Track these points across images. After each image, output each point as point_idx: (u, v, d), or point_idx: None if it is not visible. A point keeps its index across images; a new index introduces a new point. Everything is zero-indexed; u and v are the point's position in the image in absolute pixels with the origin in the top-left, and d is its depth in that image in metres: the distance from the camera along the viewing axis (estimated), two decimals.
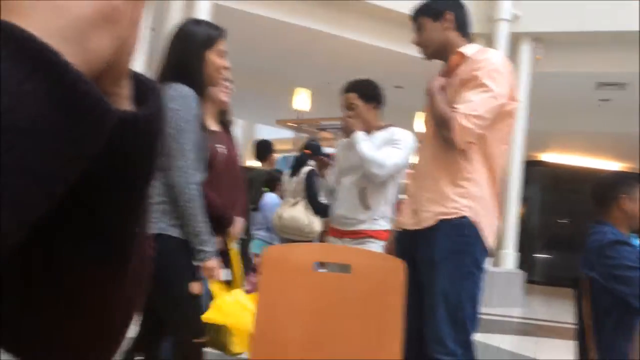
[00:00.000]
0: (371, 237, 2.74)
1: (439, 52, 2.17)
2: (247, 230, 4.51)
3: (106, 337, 0.46)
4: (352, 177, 2.82)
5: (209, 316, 1.83)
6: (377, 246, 2.69)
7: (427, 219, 2.01)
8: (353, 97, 2.88)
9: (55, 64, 0.30)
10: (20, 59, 0.30)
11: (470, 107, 1.94)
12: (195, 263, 1.89)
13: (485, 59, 2.04)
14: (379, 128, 2.89)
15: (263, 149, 5.13)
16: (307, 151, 4.24)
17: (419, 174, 2.12)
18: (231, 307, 1.86)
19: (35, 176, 0.31)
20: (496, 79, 1.99)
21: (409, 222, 2.08)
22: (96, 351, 0.47)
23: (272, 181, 4.61)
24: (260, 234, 4.55)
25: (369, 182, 2.75)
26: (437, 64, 2.31)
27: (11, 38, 0.29)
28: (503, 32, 7.37)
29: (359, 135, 2.72)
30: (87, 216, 0.40)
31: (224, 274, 2.13)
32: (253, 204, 4.55)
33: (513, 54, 7.25)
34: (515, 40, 7.52)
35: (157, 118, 0.39)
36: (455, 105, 1.97)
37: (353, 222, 2.79)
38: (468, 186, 2.00)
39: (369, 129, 2.85)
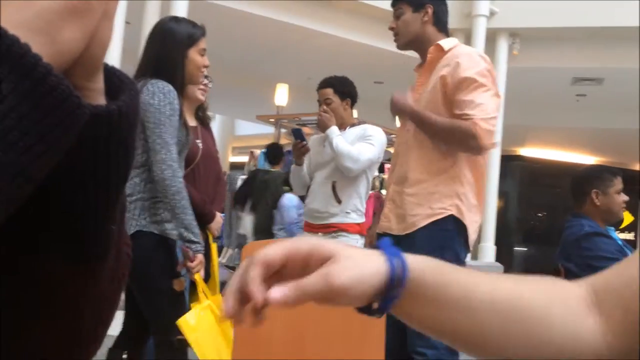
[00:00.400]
0: (343, 230, 2.78)
1: (413, 43, 2.17)
2: (269, 230, 4.78)
3: (83, 335, 0.46)
4: (325, 172, 2.87)
5: (180, 323, 1.81)
6: (349, 240, 2.72)
7: (415, 223, 2.01)
8: (329, 93, 2.96)
9: (23, 57, 0.30)
10: None
11: (484, 111, 1.94)
12: (180, 257, 1.88)
13: (471, 58, 2.03)
14: (352, 124, 2.98)
15: (275, 152, 5.39)
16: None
17: (400, 178, 2.10)
18: (201, 322, 1.85)
19: (3, 171, 0.30)
20: (490, 77, 2.01)
21: (396, 228, 2.06)
22: (73, 350, 0.46)
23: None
24: (280, 234, 4.73)
25: (340, 176, 2.77)
26: (415, 60, 2.32)
27: None
28: (480, 28, 7.42)
29: (334, 130, 2.77)
30: (61, 213, 0.39)
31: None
32: (273, 205, 4.88)
33: (490, 49, 7.30)
34: (492, 35, 7.58)
35: (131, 113, 0.38)
36: (466, 112, 1.94)
37: (325, 216, 2.83)
38: (453, 185, 2.01)
39: (343, 125, 2.95)
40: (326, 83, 3.02)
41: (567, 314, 0.55)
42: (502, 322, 0.53)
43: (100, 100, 0.37)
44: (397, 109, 2.06)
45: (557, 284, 0.59)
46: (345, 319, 1.34)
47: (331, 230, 2.82)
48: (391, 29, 2.19)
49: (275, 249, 0.50)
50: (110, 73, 0.40)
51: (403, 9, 2.15)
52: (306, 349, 1.33)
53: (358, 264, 0.50)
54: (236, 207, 5.44)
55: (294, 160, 3.08)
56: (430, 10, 2.13)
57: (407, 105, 2.05)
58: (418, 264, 0.54)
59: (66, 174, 0.37)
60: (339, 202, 2.82)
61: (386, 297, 0.50)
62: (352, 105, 3.05)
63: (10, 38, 0.29)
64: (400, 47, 2.21)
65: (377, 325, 1.30)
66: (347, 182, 2.81)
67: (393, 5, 2.22)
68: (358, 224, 2.86)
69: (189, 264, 1.88)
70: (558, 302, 0.55)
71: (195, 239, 1.87)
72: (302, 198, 3.01)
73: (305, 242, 0.51)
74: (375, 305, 0.51)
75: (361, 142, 2.83)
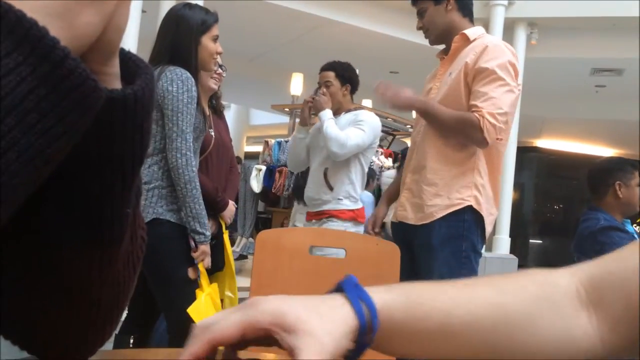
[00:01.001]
0: (334, 216, 2.76)
1: (443, 36, 2.13)
2: None
3: (99, 318, 0.46)
4: (319, 158, 2.86)
5: (191, 311, 1.83)
6: (337, 225, 2.70)
7: (433, 213, 2.00)
8: (330, 76, 2.95)
9: (42, 40, 0.30)
10: (6, 34, 0.29)
11: (495, 105, 1.91)
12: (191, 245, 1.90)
13: (496, 49, 2.00)
14: (348, 110, 2.95)
15: None
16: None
17: (418, 167, 2.09)
18: (206, 308, 1.87)
19: (22, 152, 0.30)
20: (511, 71, 1.98)
21: (413, 217, 2.05)
22: (89, 332, 0.47)
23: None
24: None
25: (332, 163, 2.77)
26: (433, 50, 2.29)
27: None
28: (499, 17, 7.34)
29: (326, 113, 2.76)
30: (77, 197, 0.39)
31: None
32: None
33: (508, 38, 7.22)
34: (510, 24, 7.49)
35: (147, 97, 0.38)
36: (477, 104, 1.93)
37: (318, 203, 2.83)
38: (471, 176, 1.99)
39: (340, 110, 2.94)
40: (328, 66, 3.01)
41: (556, 318, 0.51)
42: (487, 340, 0.49)
43: (116, 84, 0.38)
44: (399, 103, 2.03)
45: (543, 283, 0.54)
46: None
47: (323, 216, 2.80)
48: (419, 28, 2.17)
49: (229, 325, 0.43)
50: (127, 58, 0.41)
51: (425, 5, 2.12)
52: None
53: (323, 342, 0.41)
54: (298, 201, 5.52)
55: (300, 120, 3.01)
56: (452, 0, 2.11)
57: (409, 99, 2.02)
58: (387, 303, 0.48)
59: (82, 157, 0.37)
60: (331, 188, 2.80)
61: (357, 348, 0.45)
62: (352, 92, 3.03)
63: (28, 21, 0.29)
64: (432, 42, 2.18)
65: None
66: (339, 168, 2.79)
67: (414, 3, 2.18)
68: (351, 210, 2.84)
69: (192, 253, 1.89)
70: (545, 306, 0.51)
71: (200, 230, 1.87)
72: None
73: (264, 314, 0.43)
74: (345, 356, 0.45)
75: (351, 127, 2.80)
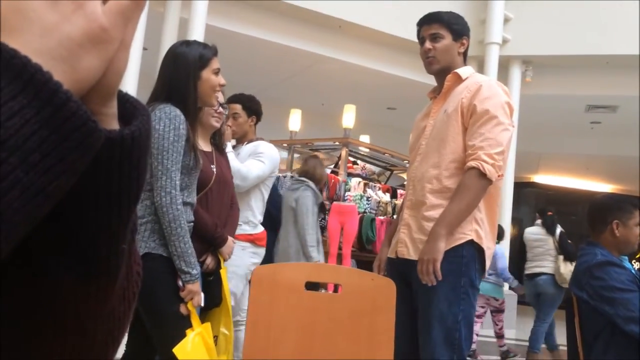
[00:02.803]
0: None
1: (445, 71, 2.16)
2: None
3: (94, 355, 0.47)
4: None
5: (177, 350, 1.80)
6: (236, 245, 2.68)
7: None
8: (237, 108, 3.14)
9: (45, 84, 0.31)
10: (12, 78, 0.31)
11: (492, 145, 1.96)
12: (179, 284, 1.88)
13: (490, 89, 2.04)
14: (250, 140, 3.15)
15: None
16: (550, 213, 5.63)
17: (416, 204, 2.09)
18: (195, 348, 1.84)
19: (24, 191, 0.31)
20: (506, 110, 2.02)
21: (414, 253, 2.04)
22: None
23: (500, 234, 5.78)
24: (491, 278, 5.47)
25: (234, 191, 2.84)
26: (427, 87, 2.33)
27: (3, 57, 0.31)
28: (493, 55, 7.46)
29: (228, 147, 2.85)
30: (73, 233, 0.40)
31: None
32: None
33: (503, 76, 7.33)
34: (505, 62, 7.62)
35: (143, 138, 0.40)
36: (475, 144, 1.97)
37: None
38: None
39: (243, 139, 3.16)
40: (235, 98, 3.18)
41: None
42: None
43: (114, 124, 0.39)
44: (433, 250, 1.94)
45: None
46: (353, 340, 1.34)
47: None
48: (428, 50, 2.14)
49: None
50: (124, 99, 0.42)
51: (442, 34, 2.13)
52: (315, 350, 1.33)
53: None
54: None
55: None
56: (466, 42, 2.16)
57: (437, 253, 1.92)
58: None
59: (79, 195, 0.38)
60: None
61: None
62: (256, 123, 3.22)
63: (33, 66, 0.31)
64: (432, 71, 2.18)
65: (385, 346, 1.30)
66: (239, 196, 2.85)
67: (428, 23, 2.17)
68: (250, 234, 2.96)
69: (180, 292, 1.86)
70: None
71: (186, 269, 1.85)
72: None
73: None
74: None
75: (252, 159, 2.95)
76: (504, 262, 5.52)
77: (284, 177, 6.52)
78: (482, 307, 5.56)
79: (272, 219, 3.87)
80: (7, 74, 0.31)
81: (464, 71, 2.14)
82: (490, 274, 5.52)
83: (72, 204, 0.38)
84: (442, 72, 2.17)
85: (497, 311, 5.60)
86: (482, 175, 1.94)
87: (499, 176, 1.99)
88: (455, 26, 2.16)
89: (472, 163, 1.96)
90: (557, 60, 7.63)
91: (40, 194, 0.33)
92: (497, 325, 5.63)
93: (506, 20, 7.56)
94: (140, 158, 0.40)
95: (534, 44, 7.52)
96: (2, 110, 0.30)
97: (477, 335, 5.71)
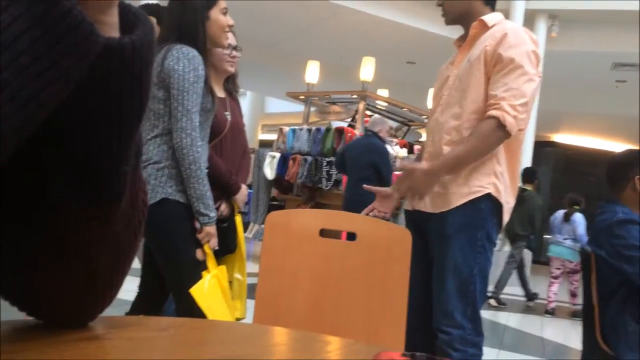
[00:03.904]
0: None
1: (460, 18, 2.11)
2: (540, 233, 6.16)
3: (98, 281, 0.45)
4: None
5: (193, 291, 1.82)
6: None
7: (452, 201, 1.96)
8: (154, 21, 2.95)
9: None
10: None
11: (515, 96, 1.89)
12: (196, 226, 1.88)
13: (517, 36, 1.96)
14: None
15: (529, 175, 6.52)
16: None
17: (434, 155, 2.05)
18: (211, 289, 1.86)
19: (14, 95, 0.29)
20: (532, 59, 1.94)
21: (430, 205, 2.01)
22: (88, 294, 0.46)
23: (578, 203, 6.31)
24: (567, 242, 6.07)
25: None
26: (451, 41, 2.26)
27: None
28: (519, 8, 7.24)
29: None
30: (73, 152, 0.38)
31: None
32: (531, 224, 6.42)
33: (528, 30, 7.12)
34: (530, 16, 7.39)
35: (145, 48, 0.37)
36: (497, 94, 1.90)
37: None
38: (490, 163, 1.96)
39: None
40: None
41: None
42: None
43: (114, 34, 0.36)
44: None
45: None
46: (367, 288, 1.33)
47: None
48: (439, 5, 2.14)
49: None
50: (126, 9, 0.39)
51: None
52: (326, 315, 1.33)
53: None
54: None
55: None
56: None
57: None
58: None
59: (77, 110, 0.36)
60: None
61: None
62: None
63: None
64: (447, 22, 2.15)
65: (399, 295, 1.29)
66: None
67: None
68: None
69: (197, 235, 1.87)
70: None
71: (204, 211, 1.85)
72: None
73: None
74: None
75: None
76: (582, 228, 5.96)
77: (300, 129, 6.48)
78: (558, 268, 6.16)
79: None
80: None
81: (491, 18, 2.06)
82: (565, 239, 6.10)
83: (69, 120, 0.36)
84: (461, 20, 2.10)
85: (573, 272, 6.06)
86: (501, 126, 1.88)
87: (519, 130, 1.93)
88: None
89: (492, 112, 1.89)
90: (584, 15, 7.37)
91: (32, 101, 0.30)
92: (572, 285, 6.12)
93: None
94: (142, 70, 0.37)
95: None
96: None
97: (554, 294, 6.17)
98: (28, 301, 0.45)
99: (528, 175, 6.50)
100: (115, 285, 0.47)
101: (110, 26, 0.36)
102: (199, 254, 1.89)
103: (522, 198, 6.04)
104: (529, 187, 6.45)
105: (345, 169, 5.13)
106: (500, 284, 6.26)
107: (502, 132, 1.89)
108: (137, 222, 0.46)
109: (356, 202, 3.70)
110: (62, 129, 0.37)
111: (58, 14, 0.30)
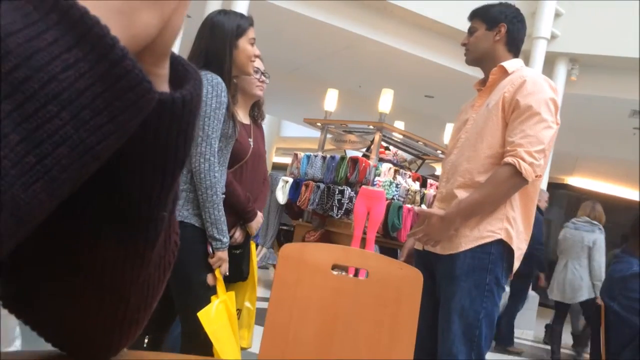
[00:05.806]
0: None
1: (480, 60, 2.14)
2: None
3: (126, 319, 0.46)
4: None
5: (201, 315, 1.82)
6: None
7: (461, 244, 1.96)
8: None
9: (102, 38, 0.30)
10: (68, 29, 0.29)
11: (532, 143, 1.90)
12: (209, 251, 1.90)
13: (535, 84, 1.97)
14: None
15: None
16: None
17: (447, 196, 2.06)
18: (218, 315, 1.86)
19: (73, 148, 0.30)
20: (551, 107, 1.96)
21: (440, 247, 2.01)
22: (114, 332, 0.47)
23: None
24: None
25: None
26: (469, 77, 2.28)
27: (63, 9, 0.29)
28: (540, 50, 7.27)
29: None
30: (117, 196, 0.39)
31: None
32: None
33: (548, 72, 7.14)
34: (551, 59, 7.42)
35: (194, 103, 0.38)
36: (514, 140, 1.91)
37: None
38: (503, 208, 1.96)
39: None
40: None
41: None
42: None
43: (164, 86, 0.38)
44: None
45: None
46: (376, 326, 1.33)
47: None
48: (463, 44, 2.17)
49: None
50: (176, 61, 0.41)
51: (476, 26, 2.13)
52: (332, 355, 1.33)
53: None
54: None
55: None
56: (503, 30, 2.10)
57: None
58: None
59: (125, 158, 0.37)
60: None
61: None
62: None
63: (91, 18, 0.29)
64: (468, 62, 2.19)
65: (407, 335, 1.29)
66: None
67: (470, 18, 2.19)
68: None
69: (209, 259, 1.88)
70: None
71: (218, 236, 1.87)
72: None
73: None
74: None
75: None
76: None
77: (315, 156, 6.51)
78: None
79: None
80: (64, 24, 0.29)
81: (511, 64, 2.08)
82: None
83: (116, 165, 0.37)
84: (480, 62, 2.14)
85: None
86: (517, 173, 1.89)
87: (536, 176, 1.92)
88: (489, 14, 2.11)
89: (509, 159, 1.90)
90: (604, 61, 7.40)
91: (88, 153, 0.31)
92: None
93: (557, 15, 7.34)
94: (189, 124, 0.38)
95: (583, 41, 7.30)
96: (57, 62, 0.29)
97: None
98: (57, 334, 0.46)
99: None
100: (141, 322, 0.48)
101: (162, 78, 0.38)
102: (209, 278, 1.90)
103: None
104: None
105: None
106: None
107: (518, 179, 1.89)
108: (167, 264, 0.47)
109: None
110: (107, 173, 0.38)
111: (120, 72, 0.32)
